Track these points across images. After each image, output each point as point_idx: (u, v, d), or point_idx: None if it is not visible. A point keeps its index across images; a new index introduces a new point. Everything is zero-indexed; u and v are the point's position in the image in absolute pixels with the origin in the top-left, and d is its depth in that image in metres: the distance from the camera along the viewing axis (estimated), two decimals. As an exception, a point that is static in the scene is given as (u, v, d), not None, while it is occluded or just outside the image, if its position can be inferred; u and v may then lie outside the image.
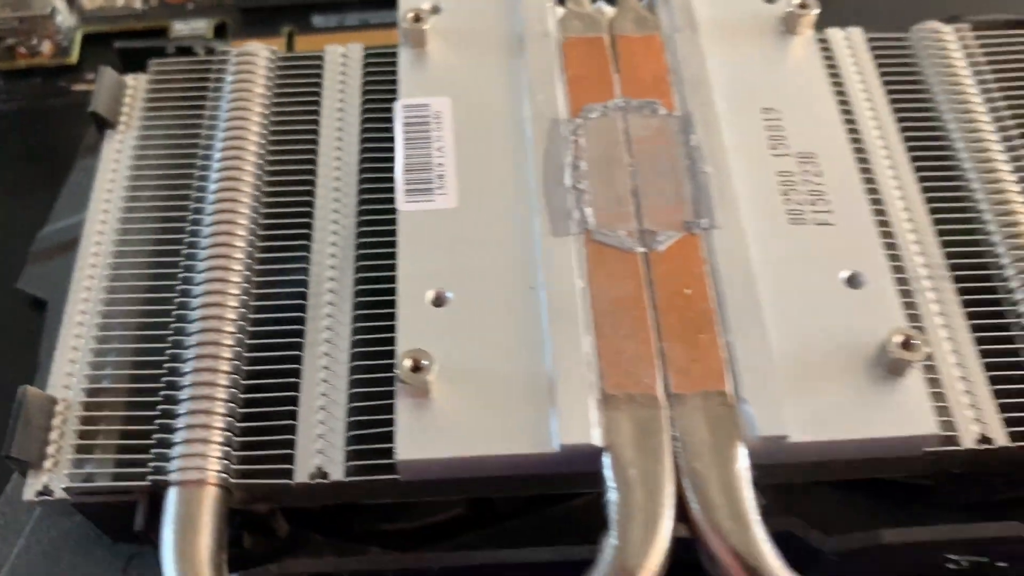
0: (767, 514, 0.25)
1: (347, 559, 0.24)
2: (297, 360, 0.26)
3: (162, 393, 0.25)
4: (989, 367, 0.25)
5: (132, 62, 0.33)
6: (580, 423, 0.22)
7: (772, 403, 0.23)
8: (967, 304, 0.26)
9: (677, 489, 0.22)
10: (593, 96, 0.28)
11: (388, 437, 0.23)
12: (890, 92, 0.31)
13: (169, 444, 0.24)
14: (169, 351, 0.26)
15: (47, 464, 0.25)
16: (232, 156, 0.28)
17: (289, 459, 0.24)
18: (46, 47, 0.38)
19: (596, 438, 0.22)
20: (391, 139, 0.28)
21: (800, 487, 0.28)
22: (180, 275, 0.27)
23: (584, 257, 0.25)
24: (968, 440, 0.24)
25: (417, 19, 0.29)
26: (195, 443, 0.24)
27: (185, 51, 0.33)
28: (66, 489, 0.24)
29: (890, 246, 0.27)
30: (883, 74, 0.31)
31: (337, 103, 0.30)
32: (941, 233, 0.28)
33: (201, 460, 0.24)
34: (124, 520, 0.24)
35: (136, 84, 0.32)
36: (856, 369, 0.24)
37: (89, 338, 0.27)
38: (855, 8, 0.36)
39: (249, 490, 0.24)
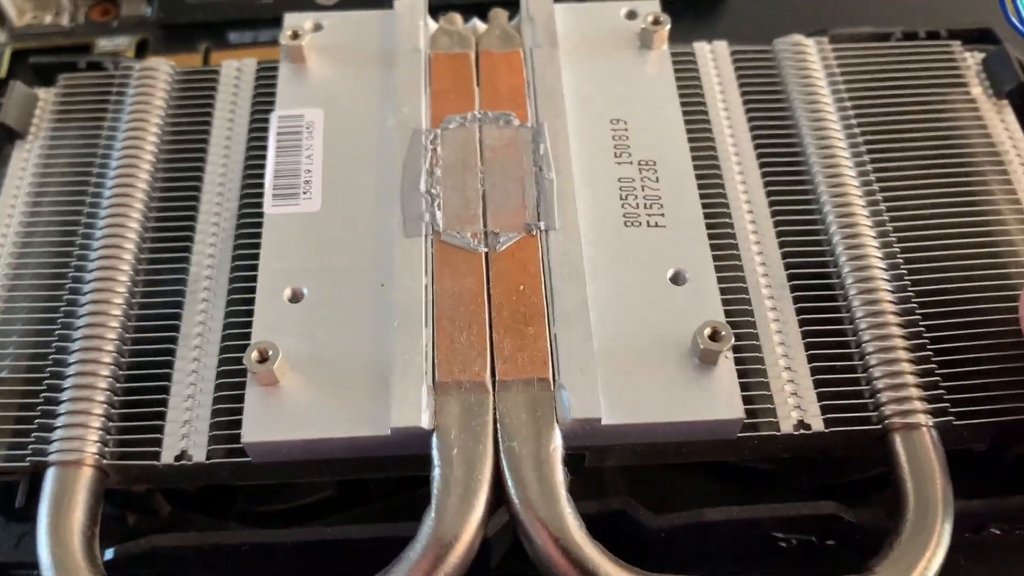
0: (602, 494, 0.27)
1: (208, 534, 0.26)
2: (171, 353, 0.28)
3: (46, 383, 0.27)
4: (813, 359, 0.27)
5: (47, 77, 0.35)
6: (412, 408, 0.24)
7: (587, 389, 0.25)
8: (799, 301, 0.28)
9: (495, 465, 0.24)
10: (454, 108, 0.30)
11: (245, 424, 0.26)
12: (748, 102, 0.32)
13: (50, 428, 0.26)
14: (56, 344, 0.28)
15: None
16: (126, 164, 0.31)
17: (158, 443, 0.26)
18: (-25, 63, 0.41)
19: (425, 421, 0.24)
20: (273, 147, 0.31)
21: (656, 474, 0.31)
22: (71, 275, 0.29)
23: (432, 256, 0.27)
24: (787, 426, 0.26)
25: (295, 36, 0.31)
26: (72, 427, 0.26)
27: (95, 67, 0.35)
28: (-47, 468, 0.26)
29: (730, 247, 0.29)
30: (742, 84, 0.33)
31: (228, 114, 0.32)
32: (781, 235, 0.30)
33: (78, 443, 0.26)
34: (9, 501, 0.27)
35: (47, 97, 0.34)
36: (672, 359, 0.26)
37: (-12, 332, 0.29)
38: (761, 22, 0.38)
39: (122, 471, 0.26)
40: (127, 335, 0.28)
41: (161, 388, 0.27)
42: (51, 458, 0.26)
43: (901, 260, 0.29)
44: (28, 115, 0.33)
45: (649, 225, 0.28)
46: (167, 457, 0.26)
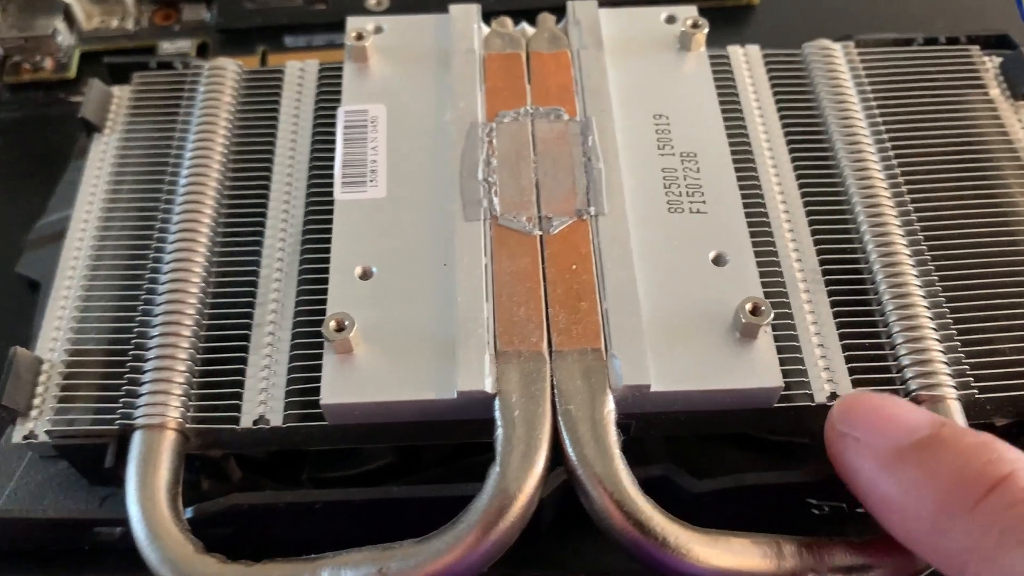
0: (646, 460, 0.29)
1: (284, 492, 0.28)
2: (248, 327, 0.30)
3: (132, 354, 0.29)
4: (844, 336, 0.29)
5: (120, 76, 0.37)
6: (476, 373, 0.27)
7: (637, 358, 0.27)
8: (830, 284, 0.30)
9: (553, 428, 0.26)
10: (507, 104, 0.32)
11: (320, 391, 0.28)
12: (779, 101, 0.35)
13: (136, 395, 0.28)
14: (139, 319, 0.30)
15: (33, 413, 0.29)
16: (199, 156, 0.33)
17: (237, 408, 0.28)
18: (48, 63, 0.43)
19: (488, 385, 0.26)
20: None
21: (695, 447, 0.32)
22: (151, 256, 0.31)
23: (490, 239, 0.29)
24: (820, 397, 0.28)
25: (359, 37, 0.34)
26: (157, 394, 0.28)
27: (165, 66, 0.37)
28: (48, 432, 0.28)
29: (766, 234, 0.31)
30: (774, 85, 0.35)
31: (293, 110, 0.35)
32: (813, 223, 0.32)
33: (162, 408, 0.28)
34: (99, 462, 0.28)
35: (121, 94, 0.36)
36: (715, 333, 0.28)
37: (72, 309, 0.31)
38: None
39: (202, 435, 0.28)
40: (205, 310, 0.30)
41: (239, 359, 0.29)
42: (137, 422, 0.28)
43: (925, 247, 0.31)
44: (104, 111, 0.35)
45: (691, 211, 0.30)
46: (246, 422, 0.28)
